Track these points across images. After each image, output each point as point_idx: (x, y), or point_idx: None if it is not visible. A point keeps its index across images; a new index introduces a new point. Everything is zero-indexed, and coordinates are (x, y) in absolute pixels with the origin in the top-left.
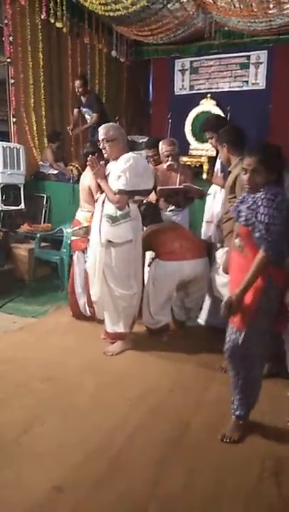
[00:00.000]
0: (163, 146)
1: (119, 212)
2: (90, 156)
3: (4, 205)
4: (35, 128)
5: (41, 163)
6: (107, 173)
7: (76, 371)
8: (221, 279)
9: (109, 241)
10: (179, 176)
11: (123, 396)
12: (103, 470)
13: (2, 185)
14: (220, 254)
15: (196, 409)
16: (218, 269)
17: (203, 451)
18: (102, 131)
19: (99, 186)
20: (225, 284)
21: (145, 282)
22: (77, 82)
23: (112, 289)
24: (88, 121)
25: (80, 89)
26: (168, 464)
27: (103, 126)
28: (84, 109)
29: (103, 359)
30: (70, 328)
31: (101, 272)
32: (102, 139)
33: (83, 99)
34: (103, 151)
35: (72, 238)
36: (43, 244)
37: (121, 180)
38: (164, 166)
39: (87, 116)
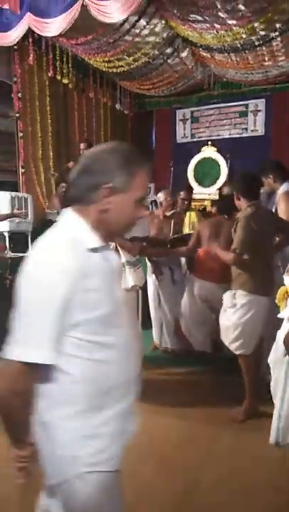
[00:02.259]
0: (166, 196)
1: (134, 258)
2: None
3: (12, 252)
4: (42, 178)
5: (48, 210)
6: None
7: None
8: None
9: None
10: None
11: (130, 448)
12: None
13: (10, 232)
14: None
15: (206, 464)
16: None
17: (216, 507)
18: None
19: None
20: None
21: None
22: (82, 145)
23: None
24: None
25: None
26: None
27: None
28: None
29: None
30: None
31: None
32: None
33: None
34: None
35: None
36: None
37: (137, 228)
38: (167, 213)
39: None
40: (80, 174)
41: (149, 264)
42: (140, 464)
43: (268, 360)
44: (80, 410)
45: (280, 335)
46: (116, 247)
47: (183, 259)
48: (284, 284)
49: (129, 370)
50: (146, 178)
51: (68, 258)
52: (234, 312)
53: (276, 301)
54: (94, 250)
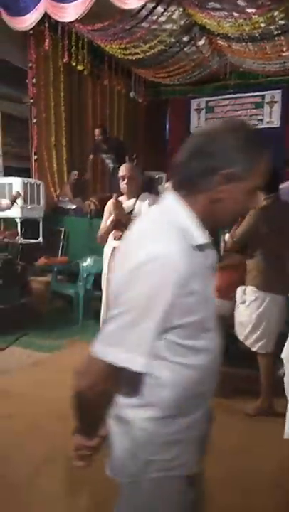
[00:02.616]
0: None
1: None
2: (114, 197)
3: (23, 238)
4: (55, 165)
5: (60, 198)
6: (128, 211)
7: None
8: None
9: None
10: None
11: None
12: None
13: (22, 219)
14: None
15: (214, 461)
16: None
17: (224, 507)
18: (125, 169)
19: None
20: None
21: None
22: (97, 131)
23: None
24: (109, 165)
25: (100, 137)
26: None
27: (126, 165)
28: (105, 156)
29: None
30: None
31: None
32: (123, 176)
33: (104, 145)
34: (122, 187)
35: None
36: (59, 277)
37: None
38: None
39: (108, 161)
40: (191, 156)
41: None
42: None
43: (282, 356)
44: (167, 415)
45: None
46: None
47: None
48: None
49: (216, 374)
50: (267, 164)
51: (181, 256)
52: (245, 308)
53: None
54: (200, 248)
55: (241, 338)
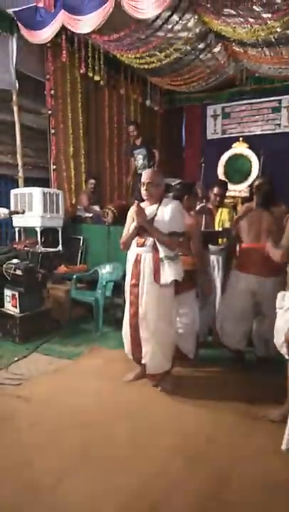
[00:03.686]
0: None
1: (173, 253)
2: (137, 203)
3: (43, 247)
4: (73, 174)
5: (79, 207)
6: (150, 217)
7: (111, 416)
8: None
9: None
10: (204, 217)
11: (160, 444)
12: None
13: (42, 228)
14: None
15: (236, 463)
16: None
17: (243, 507)
18: (148, 175)
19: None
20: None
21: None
22: (132, 127)
23: (161, 328)
24: (139, 162)
25: (135, 133)
26: None
27: (149, 171)
28: (137, 151)
29: (138, 404)
30: (104, 371)
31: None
32: (148, 183)
33: (137, 141)
34: (144, 194)
35: None
36: (78, 285)
37: (176, 224)
38: (197, 207)
39: (139, 156)
40: None
41: None
42: (171, 460)
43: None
44: None
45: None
46: (154, 242)
47: (212, 256)
48: None
49: None
50: None
51: None
52: (282, 314)
53: None
54: None
55: (277, 345)
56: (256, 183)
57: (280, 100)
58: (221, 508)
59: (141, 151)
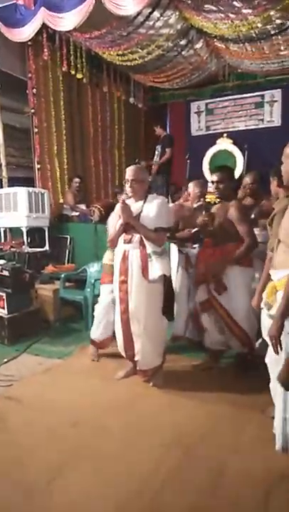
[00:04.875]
0: (195, 187)
1: (160, 248)
2: (122, 200)
3: (30, 247)
4: (58, 173)
5: (65, 206)
6: (136, 214)
7: (104, 414)
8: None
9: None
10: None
11: (153, 440)
12: None
13: (28, 228)
14: None
15: (230, 455)
16: None
17: (239, 500)
18: (131, 172)
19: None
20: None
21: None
22: (158, 127)
23: (152, 324)
24: (155, 156)
25: (158, 130)
26: None
27: (132, 167)
28: (156, 147)
29: (129, 400)
30: (94, 369)
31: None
32: (132, 180)
33: (161, 137)
34: (129, 191)
35: None
36: (67, 284)
37: (162, 219)
38: (195, 205)
39: (156, 152)
40: None
41: (177, 255)
42: (165, 452)
43: (266, 360)
44: None
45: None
46: (141, 238)
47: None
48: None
49: None
50: None
51: None
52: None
53: (266, 298)
54: None
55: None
56: (247, 179)
57: (263, 95)
58: (217, 500)
59: (158, 148)
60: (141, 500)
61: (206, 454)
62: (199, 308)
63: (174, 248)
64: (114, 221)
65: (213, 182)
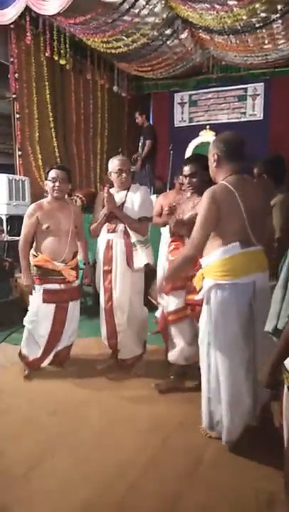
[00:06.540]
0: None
1: (144, 237)
2: (107, 189)
3: (9, 235)
4: (40, 160)
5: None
6: (119, 204)
7: (82, 404)
8: None
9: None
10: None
11: (132, 429)
12: (114, 507)
13: (8, 216)
14: None
15: (207, 443)
16: None
17: (216, 486)
18: (123, 163)
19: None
20: None
21: None
22: (136, 114)
23: (134, 313)
24: (139, 149)
25: (139, 120)
26: (182, 500)
27: (123, 159)
28: (141, 137)
29: (108, 391)
30: (74, 359)
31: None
32: (120, 170)
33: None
34: (120, 180)
35: None
36: None
37: (145, 209)
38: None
39: (140, 144)
40: None
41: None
42: (144, 440)
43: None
44: None
45: None
46: (125, 227)
47: None
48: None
49: None
50: None
51: None
52: None
53: (194, 284)
54: None
55: None
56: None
57: (246, 89)
58: (195, 487)
59: (141, 139)
60: (120, 488)
61: (185, 440)
62: (170, 319)
63: (164, 237)
64: (97, 210)
65: (185, 176)
